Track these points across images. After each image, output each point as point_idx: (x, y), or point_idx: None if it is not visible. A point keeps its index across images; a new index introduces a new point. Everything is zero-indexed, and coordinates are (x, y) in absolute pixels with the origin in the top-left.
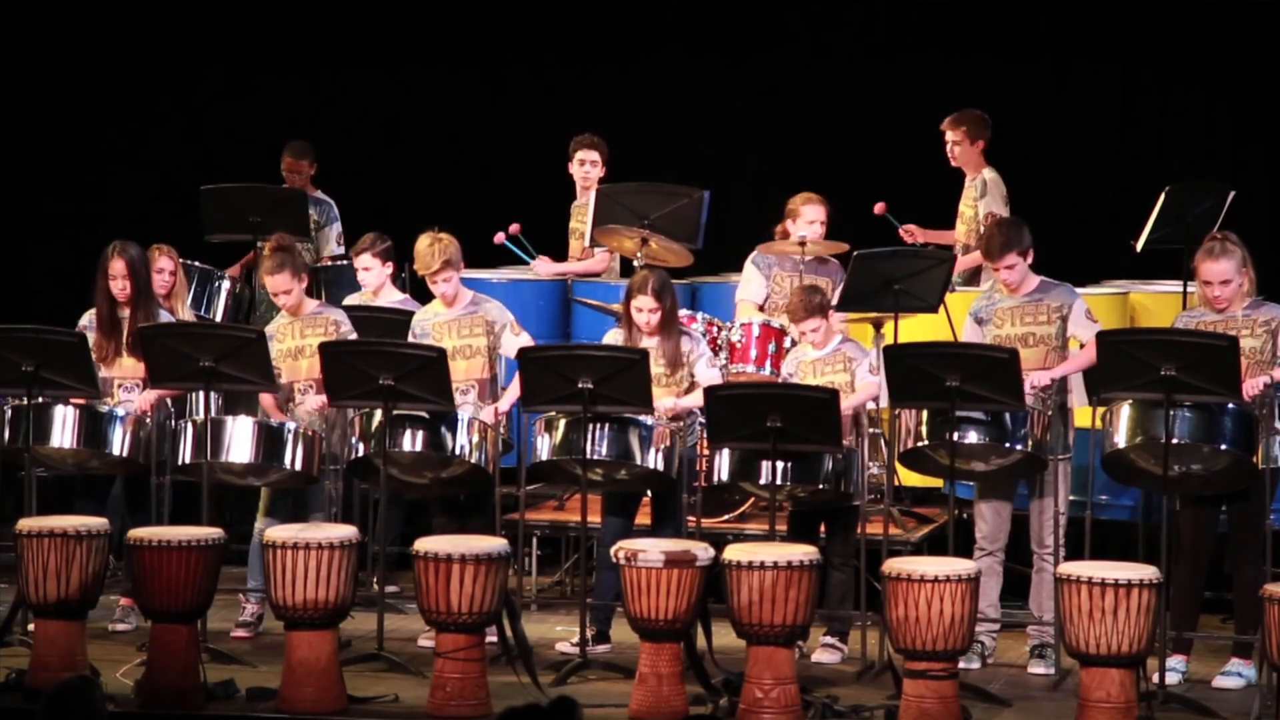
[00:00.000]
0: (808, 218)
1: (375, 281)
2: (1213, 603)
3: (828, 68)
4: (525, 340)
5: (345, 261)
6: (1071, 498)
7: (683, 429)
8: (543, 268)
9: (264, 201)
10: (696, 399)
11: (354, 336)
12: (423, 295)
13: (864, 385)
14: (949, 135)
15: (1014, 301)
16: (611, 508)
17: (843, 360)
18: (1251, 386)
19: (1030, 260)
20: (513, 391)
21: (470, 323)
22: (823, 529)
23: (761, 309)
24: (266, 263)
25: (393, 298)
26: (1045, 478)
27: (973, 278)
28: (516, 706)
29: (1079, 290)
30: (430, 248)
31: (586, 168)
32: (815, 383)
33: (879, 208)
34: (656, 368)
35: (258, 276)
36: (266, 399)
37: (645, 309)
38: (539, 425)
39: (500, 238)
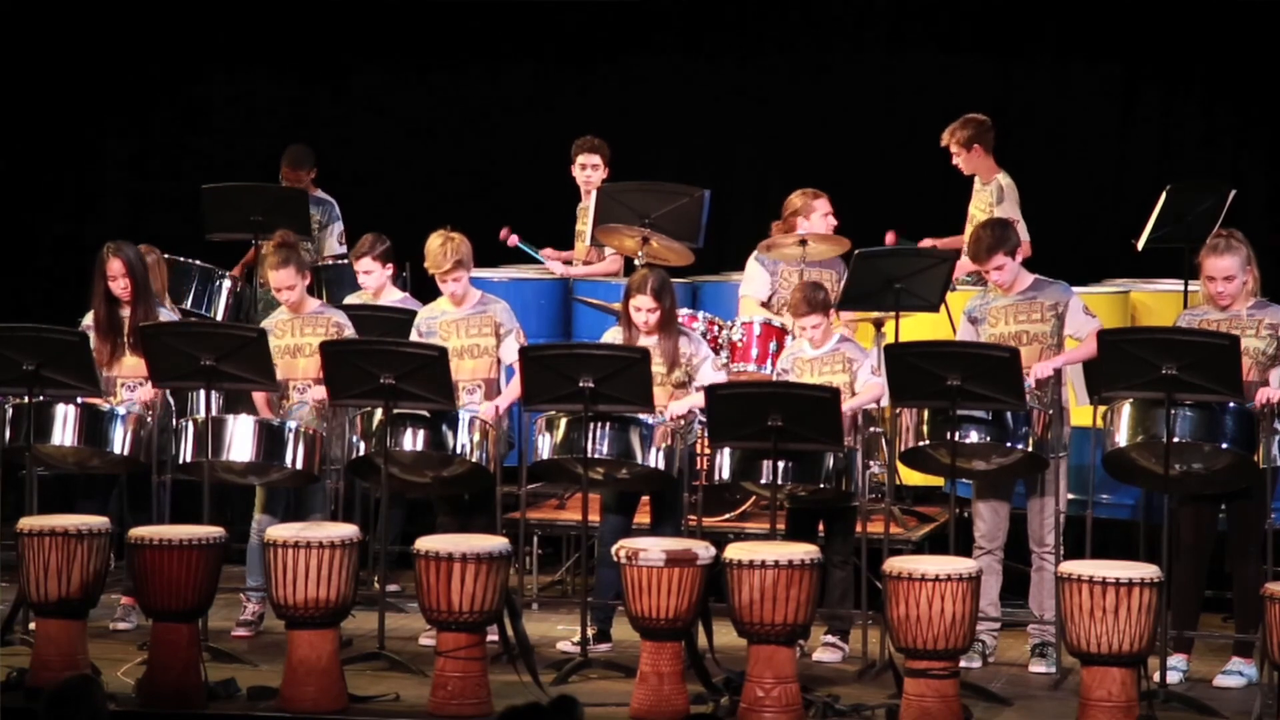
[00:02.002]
0: (822, 211)
1: (375, 283)
2: (1213, 602)
3: (828, 67)
4: None
5: (346, 261)
6: (1071, 496)
7: (683, 428)
8: (557, 266)
9: (265, 201)
10: (697, 398)
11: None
12: (423, 295)
13: (868, 386)
14: (950, 147)
15: (1008, 300)
16: (611, 506)
17: (842, 360)
18: (1264, 395)
19: (1020, 259)
20: (511, 390)
21: (479, 322)
22: (821, 528)
23: (767, 305)
24: (270, 258)
25: (392, 297)
26: (1045, 476)
27: (982, 278)
28: (518, 705)
29: (1080, 289)
30: (442, 247)
31: (588, 171)
32: (813, 381)
33: (889, 238)
34: (654, 366)
35: (260, 274)
36: (258, 395)
37: (644, 308)
38: (540, 424)
39: (513, 240)
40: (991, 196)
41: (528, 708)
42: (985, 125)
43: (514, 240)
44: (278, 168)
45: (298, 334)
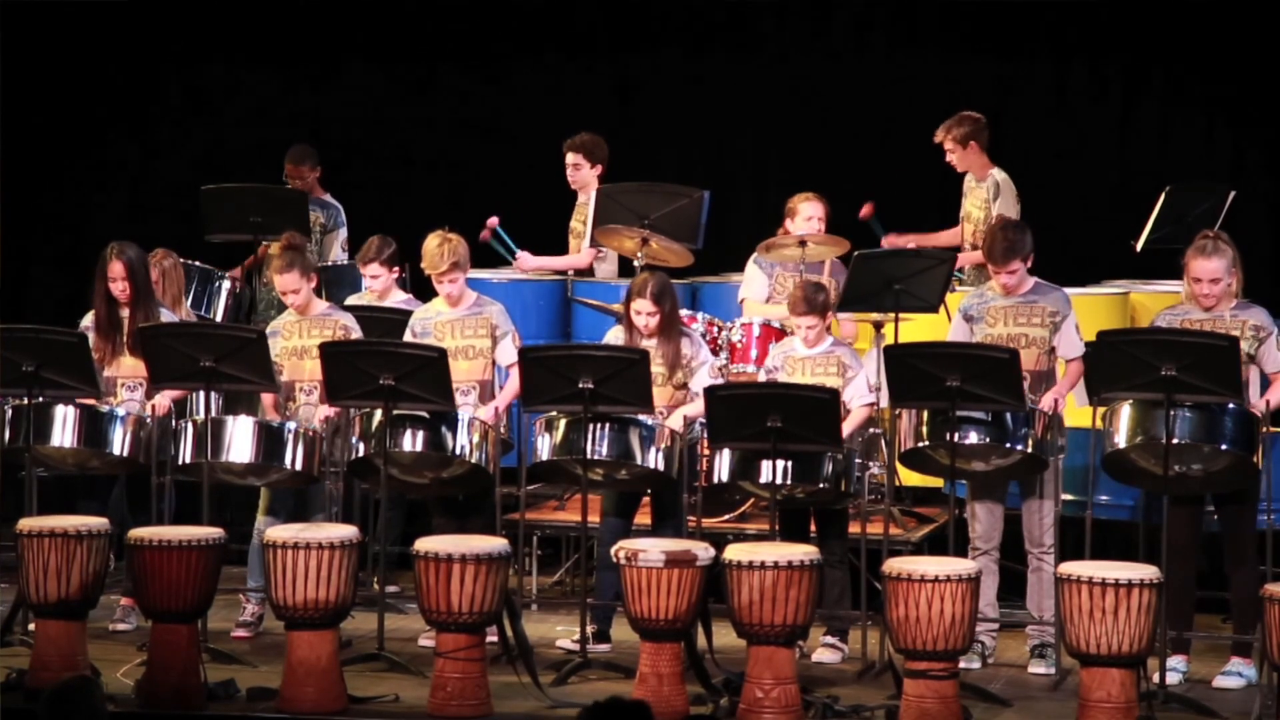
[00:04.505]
0: (805, 215)
1: (382, 287)
2: (1213, 602)
3: (828, 67)
4: None
5: (349, 262)
6: (1070, 497)
7: (685, 430)
8: (528, 262)
9: (264, 202)
10: (692, 409)
11: None
12: (423, 295)
13: (860, 412)
14: (944, 144)
15: (1007, 301)
16: (611, 507)
17: (836, 364)
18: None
19: (1030, 264)
20: (510, 390)
21: (475, 324)
22: (812, 528)
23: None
24: (276, 261)
25: (396, 298)
26: (1042, 477)
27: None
28: (601, 701)
29: (1079, 290)
30: (439, 248)
31: (570, 171)
32: (805, 380)
33: (865, 210)
34: (655, 368)
35: (266, 274)
36: (266, 398)
37: (644, 312)
38: (539, 425)
39: (486, 235)
40: (987, 193)
41: (610, 702)
42: (981, 123)
43: (494, 223)
44: (278, 168)
45: (304, 336)
